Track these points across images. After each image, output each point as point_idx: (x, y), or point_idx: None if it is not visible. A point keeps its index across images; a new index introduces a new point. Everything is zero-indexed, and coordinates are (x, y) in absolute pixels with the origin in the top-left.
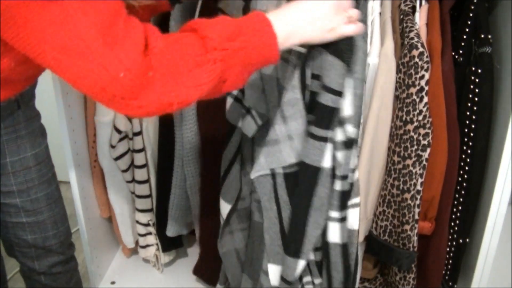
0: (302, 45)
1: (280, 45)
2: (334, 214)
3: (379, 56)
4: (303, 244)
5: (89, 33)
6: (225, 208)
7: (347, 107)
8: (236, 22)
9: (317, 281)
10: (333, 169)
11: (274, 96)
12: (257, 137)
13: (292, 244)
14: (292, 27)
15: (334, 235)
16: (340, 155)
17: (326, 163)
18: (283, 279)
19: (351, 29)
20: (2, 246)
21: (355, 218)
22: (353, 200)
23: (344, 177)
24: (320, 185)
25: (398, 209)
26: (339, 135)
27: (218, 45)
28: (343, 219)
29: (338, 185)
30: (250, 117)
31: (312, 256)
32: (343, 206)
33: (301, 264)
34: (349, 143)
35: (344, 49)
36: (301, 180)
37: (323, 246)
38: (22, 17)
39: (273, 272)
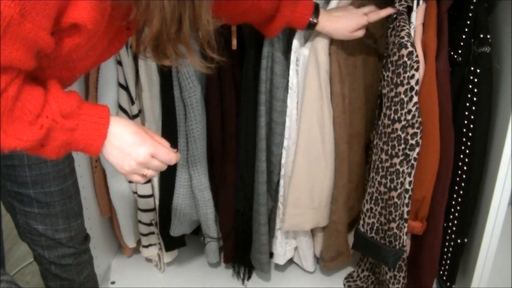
0: None
1: (104, 147)
2: None
3: (309, 48)
4: None
5: None
6: None
7: None
8: (81, 104)
9: None
10: None
11: None
12: None
13: None
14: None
15: None
16: None
17: None
18: None
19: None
20: (16, 229)
21: None
22: None
23: None
24: None
25: (385, 207)
26: None
27: (51, 115)
28: None
29: None
30: None
31: None
32: None
33: None
34: None
35: None
36: None
37: None
38: None
39: None
